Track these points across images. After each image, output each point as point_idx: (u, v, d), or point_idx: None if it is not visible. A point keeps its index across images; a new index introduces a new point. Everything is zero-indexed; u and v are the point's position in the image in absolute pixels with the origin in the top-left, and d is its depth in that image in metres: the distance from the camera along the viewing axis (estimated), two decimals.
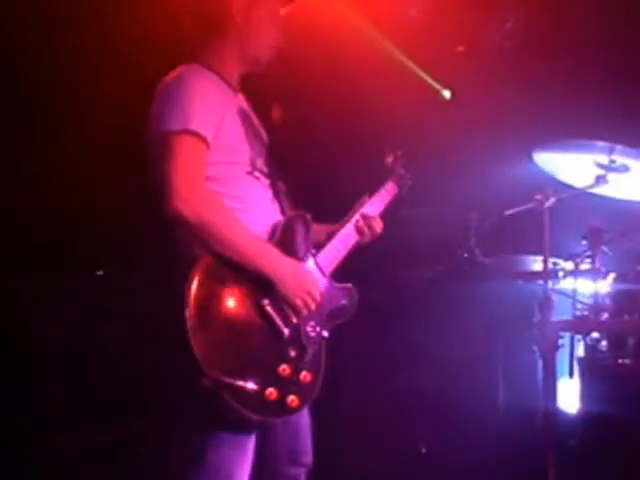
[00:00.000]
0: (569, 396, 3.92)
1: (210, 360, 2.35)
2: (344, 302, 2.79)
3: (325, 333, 2.68)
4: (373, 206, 3.01)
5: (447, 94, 5.33)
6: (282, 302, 2.56)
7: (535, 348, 4.21)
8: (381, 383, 4.74)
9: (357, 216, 2.94)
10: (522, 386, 4.64)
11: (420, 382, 4.84)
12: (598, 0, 4.36)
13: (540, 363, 4.51)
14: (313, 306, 2.62)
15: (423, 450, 4.79)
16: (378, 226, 2.96)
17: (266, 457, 2.65)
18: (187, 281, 2.39)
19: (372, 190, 3.05)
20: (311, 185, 3.50)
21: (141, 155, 2.63)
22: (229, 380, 2.36)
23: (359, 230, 2.92)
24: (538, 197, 3.51)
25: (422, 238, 4.47)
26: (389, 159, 3.18)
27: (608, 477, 3.62)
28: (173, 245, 2.58)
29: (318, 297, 2.64)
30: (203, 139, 2.53)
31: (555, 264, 3.78)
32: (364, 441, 4.57)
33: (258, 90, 2.85)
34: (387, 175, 3.14)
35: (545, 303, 3.43)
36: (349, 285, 2.83)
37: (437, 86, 5.28)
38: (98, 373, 3.80)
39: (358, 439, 4.48)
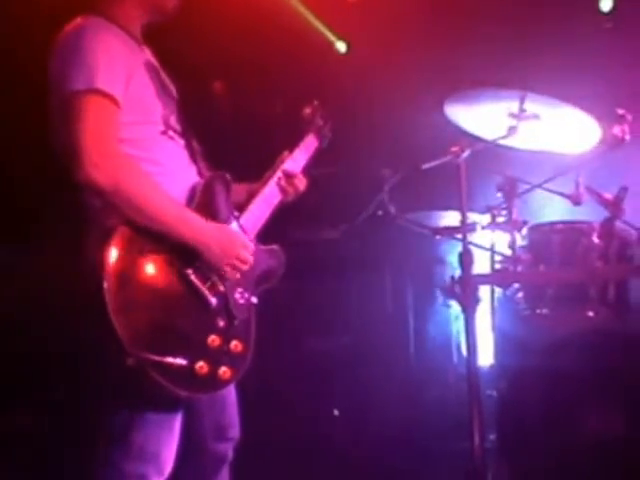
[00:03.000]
0: (486, 351, 3.94)
1: (134, 337, 2.20)
2: (271, 265, 2.68)
3: (254, 299, 2.57)
4: (295, 161, 2.89)
5: (342, 47, 5.23)
6: (208, 270, 2.42)
7: (450, 304, 4.25)
8: (290, 345, 4.67)
9: (279, 174, 2.81)
10: (434, 341, 4.67)
11: (330, 343, 4.80)
12: None
13: (452, 319, 4.58)
14: (245, 268, 2.50)
15: (336, 412, 4.76)
16: (301, 183, 2.85)
17: (193, 435, 2.53)
18: (103, 254, 2.23)
19: (292, 145, 2.92)
20: (226, 145, 3.34)
21: (42, 116, 2.43)
22: (156, 358, 2.22)
23: (282, 189, 2.80)
24: (454, 149, 3.43)
25: (335, 196, 4.39)
26: (307, 111, 3.05)
27: (527, 427, 3.66)
28: (85, 215, 2.40)
29: (250, 259, 2.52)
30: (111, 98, 2.35)
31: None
32: (274, 407, 4.49)
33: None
34: (306, 127, 3.02)
35: (465, 257, 3.38)
36: (275, 246, 2.72)
37: (332, 38, 5.18)
38: (11, 355, 3.58)
39: (267, 405, 4.40)
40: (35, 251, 3.55)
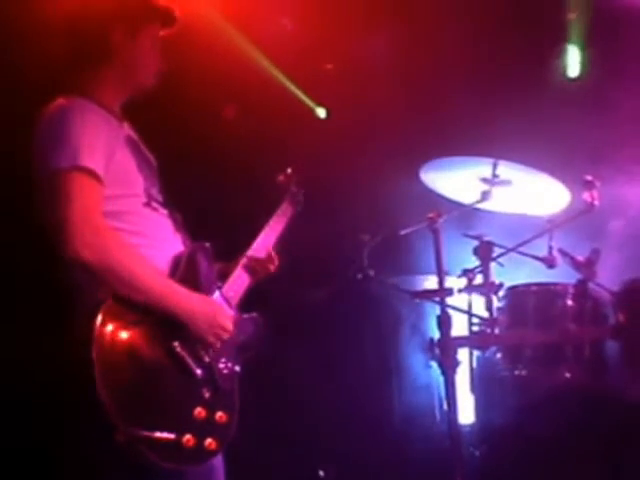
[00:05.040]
0: (467, 409, 3.99)
1: (122, 412, 2.25)
2: (252, 333, 2.74)
3: (237, 368, 2.62)
4: (272, 229, 3.01)
5: (322, 113, 5.36)
6: (193, 341, 2.48)
7: (433, 364, 4.29)
8: (274, 405, 4.68)
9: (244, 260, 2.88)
10: (418, 402, 4.71)
11: (314, 404, 4.82)
12: (474, 17, 4.50)
13: (434, 379, 4.62)
14: (227, 336, 2.56)
15: (321, 474, 4.76)
16: (272, 264, 2.94)
17: None
18: (90, 329, 2.27)
19: (267, 207, 3.04)
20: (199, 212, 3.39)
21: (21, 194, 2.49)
22: (145, 433, 2.26)
23: (252, 271, 2.87)
24: (430, 215, 3.54)
25: (315, 260, 4.47)
26: (280, 178, 3.18)
27: None
28: (72, 289, 2.47)
29: (231, 327, 2.58)
30: (95, 174, 2.43)
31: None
32: (258, 467, 4.48)
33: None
34: (281, 195, 3.14)
35: (444, 320, 3.46)
36: (255, 315, 2.78)
37: (311, 104, 5.30)
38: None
39: (251, 465, 4.39)
40: (23, 327, 3.57)
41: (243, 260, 2.84)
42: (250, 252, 2.89)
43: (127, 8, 2.67)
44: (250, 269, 2.86)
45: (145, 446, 2.26)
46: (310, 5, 4.61)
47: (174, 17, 2.78)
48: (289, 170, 3.21)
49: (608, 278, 3.68)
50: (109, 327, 2.31)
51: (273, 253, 2.95)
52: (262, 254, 2.92)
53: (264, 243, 2.96)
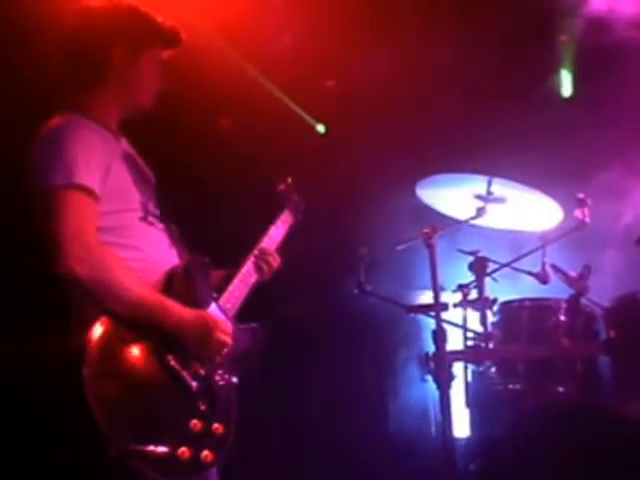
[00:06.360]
0: (462, 423, 4.03)
1: (116, 427, 2.27)
2: (250, 343, 2.74)
3: (234, 379, 2.63)
4: (271, 239, 3.01)
5: (321, 129, 5.43)
6: (188, 355, 2.50)
7: (427, 378, 4.34)
8: (267, 418, 4.71)
9: (255, 252, 2.91)
10: (413, 416, 4.75)
11: (312, 416, 4.85)
12: (470, 37, 4.57)
13: (429, 392, 4.66)
14: (225, 351, 2.57)
15: None
16: (275, 261, 2.94)
17: None
18: (84, 344, 2.31)
19: (265, 221, 3.05)
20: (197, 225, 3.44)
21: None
22: (138, 447, 2.28)
23: (257, 267, 2.89)
24: (426, 231, 3.58)
25: (311, 273, 4.52)
26: (281, 187, 3.18)
27: None
28: (67, 304, 2.50)
29: (230, 340, 2.59)
30: (90, 191, 2.47)
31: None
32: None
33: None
34: (281, 204, 3.14)
35: (439, 335, 3.50)
36: (253, 325, 2.79)
37: (311, 120, 5.37)
38: None
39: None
40: (17, 342, 3.60)
41: (242, 270, 2.85)
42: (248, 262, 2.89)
43: (130, 28, 2.70)
44: (257, 265, 2.88)
45: (139, 460, 2.28)
46: (311, 23, 4.68)
47: (179, 39, 2.79)
48: (289, 179, 3.21)
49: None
50: (102, 343, 2.33)
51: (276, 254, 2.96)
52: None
53: None
